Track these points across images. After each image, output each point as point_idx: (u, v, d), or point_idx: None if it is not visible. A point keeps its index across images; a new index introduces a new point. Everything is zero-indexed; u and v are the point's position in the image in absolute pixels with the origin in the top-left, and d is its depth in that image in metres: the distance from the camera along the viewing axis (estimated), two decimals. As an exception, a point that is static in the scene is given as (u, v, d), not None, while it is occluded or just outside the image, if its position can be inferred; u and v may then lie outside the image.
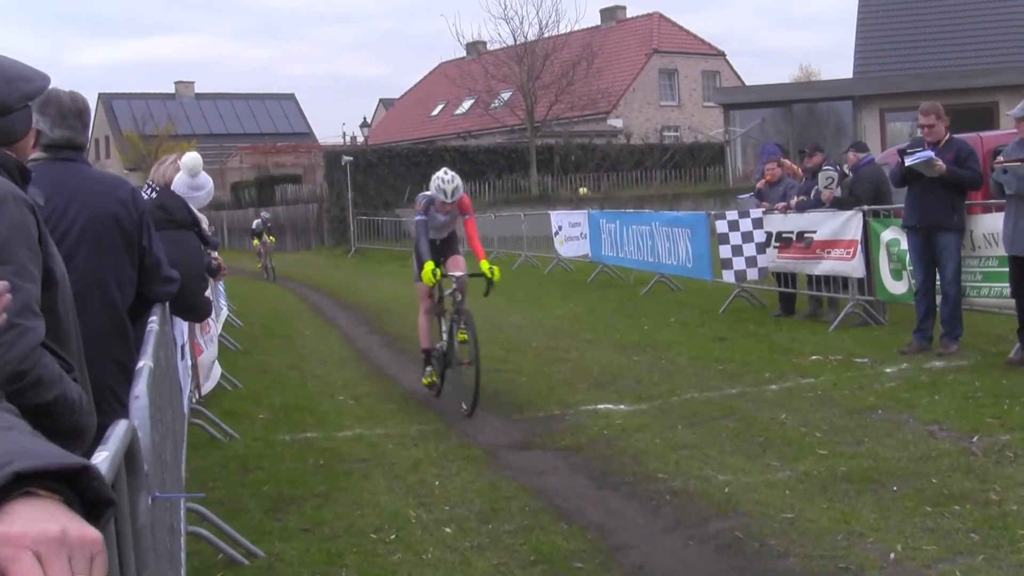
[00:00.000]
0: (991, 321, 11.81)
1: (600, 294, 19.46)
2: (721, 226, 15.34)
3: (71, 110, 4.53)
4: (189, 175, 7.70)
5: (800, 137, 32.06)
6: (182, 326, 8.26)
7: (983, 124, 23.11)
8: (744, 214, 15.27)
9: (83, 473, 1.27)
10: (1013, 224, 9.98)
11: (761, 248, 14.95)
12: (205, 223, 7.57)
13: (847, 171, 14.13)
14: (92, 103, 4.90)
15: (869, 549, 5.73)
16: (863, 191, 13.37)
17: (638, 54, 58.93)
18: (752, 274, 15.22)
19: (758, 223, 14.93)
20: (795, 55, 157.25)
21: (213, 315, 12.12)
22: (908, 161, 11.00)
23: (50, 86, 3.17)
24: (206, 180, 7.96)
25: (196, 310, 6.86)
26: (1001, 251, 10.45)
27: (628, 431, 8.80)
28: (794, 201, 14.57)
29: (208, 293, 8.96)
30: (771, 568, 5.61)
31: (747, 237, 15.07)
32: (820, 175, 14.19)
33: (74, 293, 3.10)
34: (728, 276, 15.56)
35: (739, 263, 15.20)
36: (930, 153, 10.86)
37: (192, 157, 7.86)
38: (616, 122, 54.71)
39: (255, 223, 34.04)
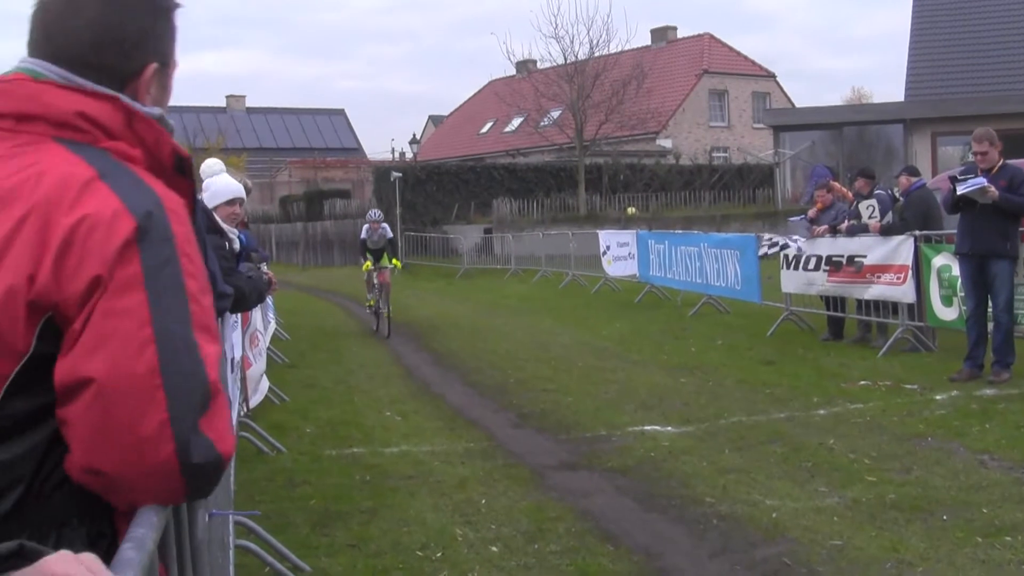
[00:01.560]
0: (1044, 350, 11.70)
1: (647, 315, 19.41)
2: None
3: None
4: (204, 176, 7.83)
5: (850, 160, 31.96)
6: (234, 339, 8.32)
7: (1037, 150, 22.88)
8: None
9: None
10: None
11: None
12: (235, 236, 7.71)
13: (898, 195, 14.06)
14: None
15: (918, 579, 5.68)
16: (913, 216, 13.29)
17: (688, 74, 58.91)
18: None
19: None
20: (846, 77, 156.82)
21: (262, 327, 12.20)
22: (960, 189, 10.91)
23: None
24: (214, 183, 7.99)
25: (243, 302, 6.97)
26: (1055, 279, 10.36)
27: (675, 453, 8.77)
28: (844, 225, 14.51)
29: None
30: (819, 596, 5.58)
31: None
32: (861, 205, 14.17)
33: None
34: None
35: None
36: (983, 180, 10.78)
37: (207, 163, 8.09)
38: (665, 142, 54.65)
39: (365, 228, 19.40)
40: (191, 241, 1.96)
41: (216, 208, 7.38)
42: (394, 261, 19.62)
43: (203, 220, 6.81)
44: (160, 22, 2.17)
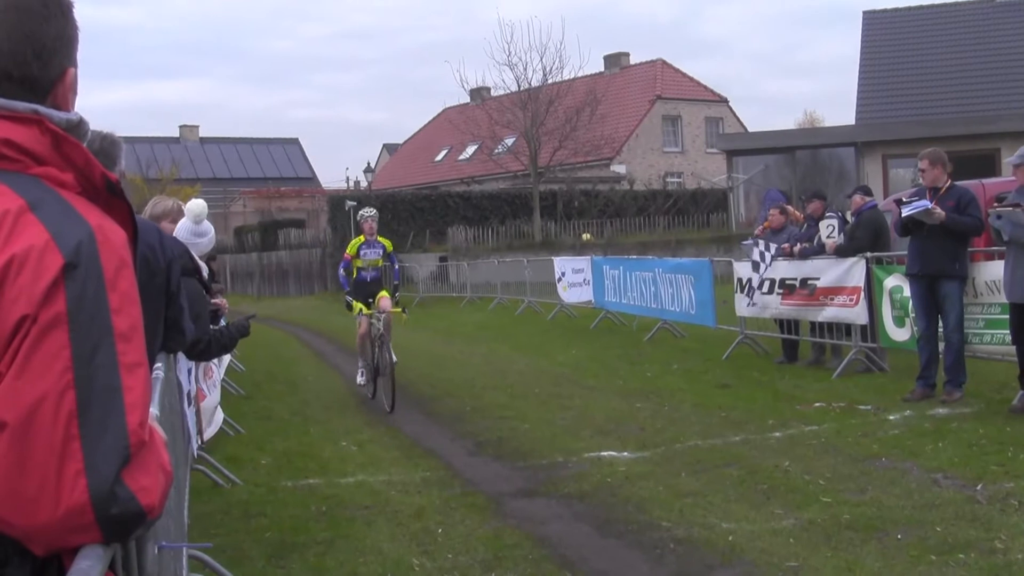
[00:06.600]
0: (995, 368, 11.82)
1: (603, 340, 19.45)
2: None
3: (95, 151, 4.55)
4: (194, 222, 7.72)
5: (803, 183, 32.16)
6: (188, 371, 8.26)
7: (985, 171, 23.17)
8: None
9: None
10: (1012, 271, 10.01)
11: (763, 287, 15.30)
12: (205, 271, 7.57)
13: (848, 217, 14.19)
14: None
15: (873, 599, 5.71)
16: (863, 236, 13.39)
17: (641, 100, 59.22)
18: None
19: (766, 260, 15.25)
20: (799, 102, 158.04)
21: (216, 360, 12.12)
22: (906, 211, 11.05)
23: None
24: (209, 227, 7.98)
25: (206, 353, 6.95)
26: (1003, 298, 10.47)
27: (632, 479, 8.78)
28: (797, 248, 14.60)
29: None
30: (775, 617, 5.60)
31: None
32: (821, 224, 14.26)
33: None
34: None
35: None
36: (927, 202, 10.91)
37: (198, 204, 7.88)
38: (619, 168, 54.87)
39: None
40: (124, 273, 1.88)
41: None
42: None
43: (188, 261, 6.80)
44: (71, 24, 2.08)
